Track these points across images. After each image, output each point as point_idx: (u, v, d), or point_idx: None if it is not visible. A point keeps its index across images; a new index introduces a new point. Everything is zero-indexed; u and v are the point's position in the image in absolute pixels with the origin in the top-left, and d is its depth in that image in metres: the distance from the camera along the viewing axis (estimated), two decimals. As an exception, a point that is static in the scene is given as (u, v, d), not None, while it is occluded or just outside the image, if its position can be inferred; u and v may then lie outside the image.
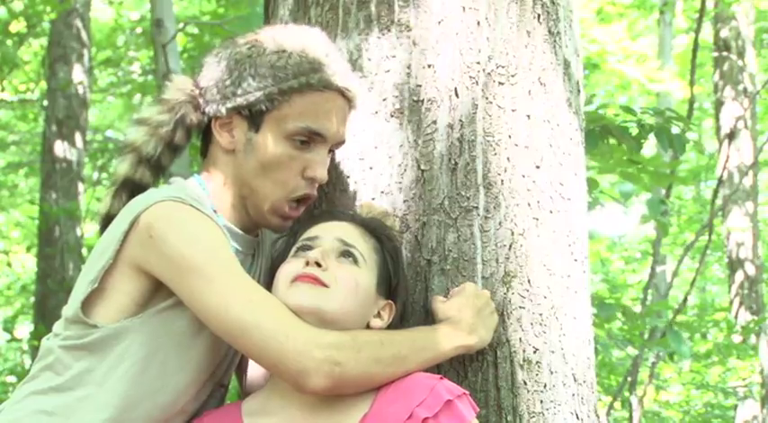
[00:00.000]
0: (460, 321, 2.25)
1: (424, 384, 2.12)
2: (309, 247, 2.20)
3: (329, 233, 2.22)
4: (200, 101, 2.35)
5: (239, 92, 2.29)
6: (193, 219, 2.16)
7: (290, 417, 2.15)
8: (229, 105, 2.30)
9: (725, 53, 12.05)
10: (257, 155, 2.29)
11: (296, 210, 2.33)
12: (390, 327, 2.23)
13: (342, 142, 2.37)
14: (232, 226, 2.32)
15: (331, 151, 2.37)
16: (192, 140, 2.42)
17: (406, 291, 2.31)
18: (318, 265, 2.15)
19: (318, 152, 2.31)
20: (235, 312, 2.08)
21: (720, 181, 8.52)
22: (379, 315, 2.22)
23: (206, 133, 2.38)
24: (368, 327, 2.20)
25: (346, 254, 2.19)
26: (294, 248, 2.24)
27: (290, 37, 2.33)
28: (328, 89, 2.30)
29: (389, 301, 2.24)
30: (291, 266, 2.17)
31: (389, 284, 2.24)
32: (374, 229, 2.27)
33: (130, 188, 2.35)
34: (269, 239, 2.46)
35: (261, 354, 2.08)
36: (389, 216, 2.39)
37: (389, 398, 2.11)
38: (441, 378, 2.15)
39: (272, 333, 2.06)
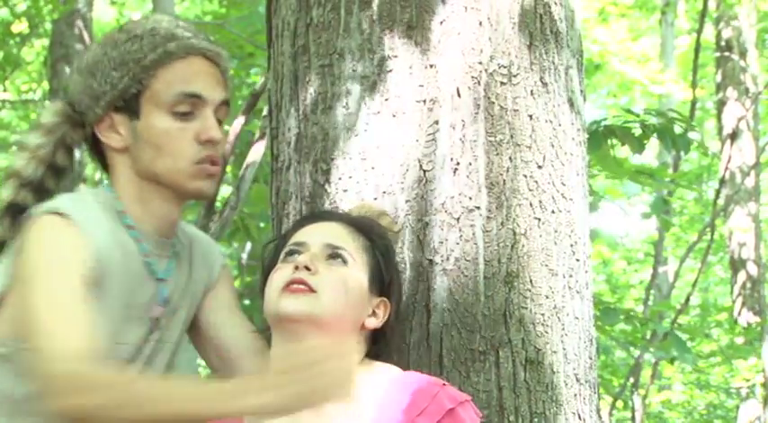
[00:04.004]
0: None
1: (425, 391, 2.11)
2: (298, 252, 2.20)
3: (317, 237, 2.22)
4: (77, 117, 2.34)
5: (107, 88, 2.29)
6: (51, 230, 2.16)
7: (292, 419, 2.14)
8: (103, 103, 2.30)
9: (727, 54, 12.05)
10: (147, 139, 2.28)
11: (213, 167, 2.31)
12: (391, 323, 2.23)
13: (226, 105, 2.35)
14: (140, 226, 2.30)
15: (219, 121, 2.34)
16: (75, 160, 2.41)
17: (400, 287, 2.31)
18: (307, 268, 2.15)
19: (204, 116, 2.30)
20: (35, 316, 2.05)
21: (723, 181, 8.53)
22: (374, 314, 2.21)
23: (97, 150, 2.37)
24: (363, 326, 2.19)
25: (334, 255, 2.19)
26: (283, 253, 2.24)
27: (137, 24, 2.35)
28: (189, 54, 2.31)
29: (383, 299, 2.23)
30: (281, 273, 2.17)
31: (382, 282, 2.24)
32: (363, 227, 2.26)
33: (13, 212, 2.32)
34: (202, 248, 2.46)
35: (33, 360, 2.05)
36: (385, 215, 2.39)
37: (392, 402, 2.11)
38: (444, 384, 2.14)
39: (43, 339, 2.03)
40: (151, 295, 2.31)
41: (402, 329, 2.36)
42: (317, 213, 2.37)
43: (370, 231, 2.27)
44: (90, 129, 2.34)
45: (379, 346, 2.24)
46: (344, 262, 2.18)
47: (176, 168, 2.28)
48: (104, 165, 2.38)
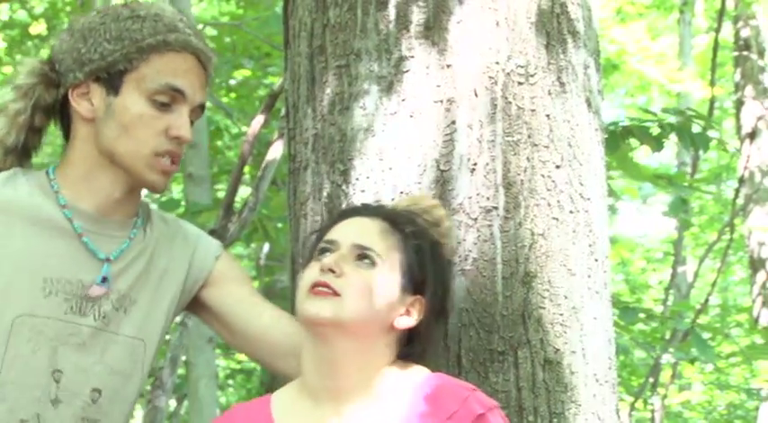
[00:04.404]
0: None
1: (456, 395, 2.10)
2: (329, 250, 2.19)
3: (348, 236, 2.19)
4: (54, 76, 2.35)
5: (96, 57, 2.30)
6: None
7: (320, 418, 2.14)
8: (87, 69, 2.30)
9: (745, 53, 12.00)
10: (118, 118, 2.29)
11: (171, 165, 2.32)
12: (427, 321, 2.21)
13: (201, 108, 2.37)
14: (75, 205, 2.30)
15: (191, 123, 2.35)
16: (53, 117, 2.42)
17: (438, 284, 2.25)
18: (332, 271, 2.14)
19: (180, 113, 2.31)
20: None
21: (741, 180, 8.50)
22: (408, 312, 2.19)
23: (64, 114, 2.38)
24: (393, 327, 2.17)
25: (363, 256, 2.16)
26: (317, 250, 2.23)
27: (142, 5, 2.36)
28: (185, 50, 2.33)
29: (418, 297, 2.20)
30: (309, 273, 2.17)
31: (417, 280, 2.20)
32: (399, 224, 2.23)
33: None
34: (185, 240, 2.46)
35: None
36: (437, 208, 2.34)
37: (421, 405, 2.10)
38: (474, 389, 2.13)
39: None
40: (90, 275, 2.29)
41: (441, 328, 2.34)
42: (355, 208, 2.35)
43: (406, 228, 2.23)
44: (64, 90, 2.35)
45: (412, 345, 2.21)
46: (373, 263, 2.16)
47: (137, 154, 2.28)
48: (65, 130, 2.39)
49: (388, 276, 2.17)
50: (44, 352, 2.25)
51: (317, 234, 2.32)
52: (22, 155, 2.37)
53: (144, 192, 2.41)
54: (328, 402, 2.15)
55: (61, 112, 2.39)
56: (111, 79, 2.30)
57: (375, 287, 2.14)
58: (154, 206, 2.47)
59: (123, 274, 2.33)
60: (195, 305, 2.50)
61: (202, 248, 2.47)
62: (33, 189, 2.30)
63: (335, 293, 2.12)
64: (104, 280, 2.30)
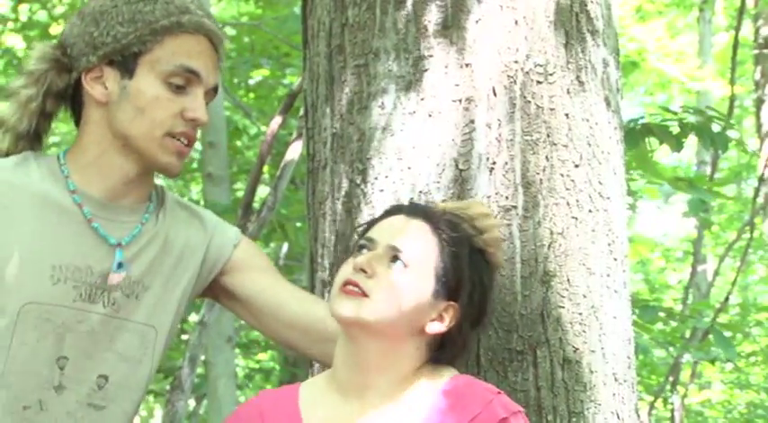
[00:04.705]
0: None
1: (480, 397, 2.09)
2: (366, 248, 2.18)
3: (385, 235, 2.17)
4: (65, 61, 2.34)
5: (109, 40, 2.28)
6: None
7: (346, 414, 2.15)
8: (100, 53, 2.29)
9: (765, 51, 11.95)
10: (133, 101, 2.28)
11: (185, 147, 2.31)
12: (459, 328, 2.17)
13: (215, 90, 2.36)
14: (84, 190, 2.29)
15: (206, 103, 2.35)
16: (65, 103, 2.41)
17: (476, 293, 2.19)
18: (364, 271, 2.14)
19: (195, 95, 2.30)
20: None
21: (762, 179, 8.45)
22: (440, 318, 2.16)
23: (75, 99, 2.37)
24: (423, 331, 2.15)
25: (396, 258, 2.14)
26: (356, 246, 2.22)
27: None
28: (198, 32, 2.31)
29: (451, 303, 2.16)
30: (343, 270, 2.15)
31: (450, 286, 2.17)
32: (439, 227, 2.19)
33: None
34: (201, 226, 2.44)
35: None
36: (486, 217, 2.28)
37: (444, 406, 2.10)
38: (499, 392, 2.11)
39: None
40: (101, 261, 2.29)
41: (474, 335, 2.29)
42: (403, 206, 2.29)
43: (445, 233, 2.19)
44: (76, 75, 2.34)
45: (443, 350, 2.18)
46: (405, 266, 2.14)
47: (152, 135, 2.27)
48: (76, 115, 2.38)
49: (420, 280, 2.14)
50: (50, 339, 2.24)
51: (363, 227, 2.29)
52: (33, 140, 2.37)
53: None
54: (355, 398, 2.14)
55: (72, 97, 2.38)
56: (125, 62, 2.29)
57: (405, 290, 2.12)
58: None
59: (135, 259, 2.32)
60: (219, 293, 2.49)
61: (220, 235, 2.45)
62: (44, 174, 2.30)
63: (364, 294, 2.11)
64: (120, 265, 2.29)
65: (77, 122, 2.38)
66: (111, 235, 2.29)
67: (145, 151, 2.28)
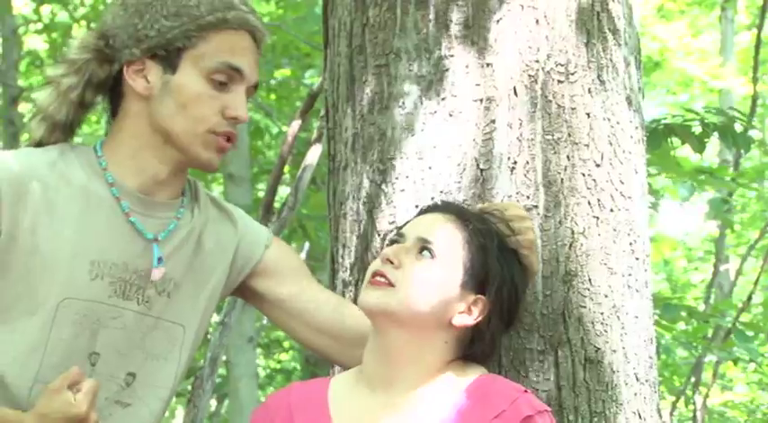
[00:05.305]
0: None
1: (506, 395, 2.09)
2: (397, 242, 2.19)
3: (416, 229, 2.19)
4: (107, 52, 2.31)
5: (153, 33, 2.26)
6: None
7: (371, 407, 2.15)
8: (144, 46, 2.26)
9: (788, 49, 11.90)
10: (175, 96, 2.25)
11: (226, 143, 2.29)
12: (488, 322, 2.17)
13: (255, 87, 2.34)
14: (121, 183, 2.27)
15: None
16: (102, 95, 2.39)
17: (506, 287, 2.19)
18: (391, 262, 2.14)
19: (237, 93, 2.28)
20: None
21: (784, 178, 8.41)
22: (468, 310, 2.16)
23: (114, 91, 2.34)
24: (451, 323, 2.15)
25: (423, 249, 2.15)
26: (388, 242, 2.23)
27: None
28: (242, 28, 2.29)
29: (480, 297, 2.17)
30: (374, 263, 2.18)
31: (479, 279, 2.17)
32: (467, 220, 2.20)
33: None
34: (215, 217, 2.41)
35: None
36: (524, 219, 2.29)
37: (469, 402, 2.09)
38: (525, 391, 2.11)
39: None
40: (136, 257, 2.27)
41: (504, 330, 2.27)
42: (436, 204, 2.31)
43: (472, 225, 2.19)
44: (118, 66, 2.31)
45: (471, 346, 2.18)
46: (432, 256, 2.14)
47: (194, 132, 2.26)
48: (114, 107, 2.35)
49: (447, 271, 2.15)
50: (85, 335, 2.23)
51: (400, 226, 2.30)
52: (67, 130, 2.34)
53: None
54: (381, 392, 2.15)
55: (111, 88, 2.35)
56: (169, 57, 2.26)
57: (432, 280, 2.13)
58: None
59: (171, 256, 2.30)
60: (248, 295, 2.47)
61: (250, 236, 2.44)
62: (83, 166, 2.28)
63: (390, 284, 2.12)
64: (160, 260, 2.27)
65: (114, 114, 2.35)
66: (147, 230, 2.28)
67: (186, 147, 2.27)
